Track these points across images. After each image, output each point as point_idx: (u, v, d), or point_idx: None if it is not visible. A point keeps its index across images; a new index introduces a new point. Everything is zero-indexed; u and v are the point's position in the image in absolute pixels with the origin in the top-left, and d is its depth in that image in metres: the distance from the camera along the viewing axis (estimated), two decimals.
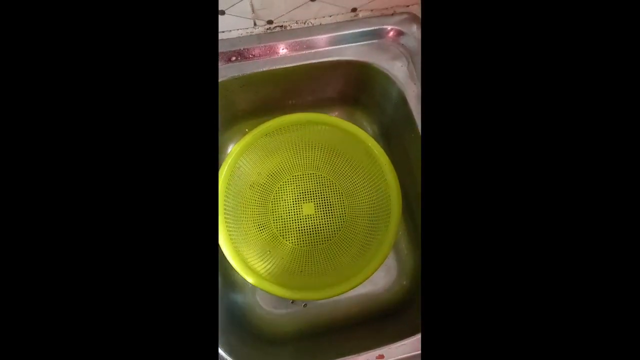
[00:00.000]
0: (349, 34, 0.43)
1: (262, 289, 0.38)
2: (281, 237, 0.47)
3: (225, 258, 0.39)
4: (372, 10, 0.45)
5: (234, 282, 0.45)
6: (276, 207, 0.48)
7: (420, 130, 0.41)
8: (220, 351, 0.35)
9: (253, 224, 0.46)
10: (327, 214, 0.48)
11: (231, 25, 0.42)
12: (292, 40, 0.43)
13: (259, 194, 0.48)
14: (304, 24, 0.44)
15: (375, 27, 0.44)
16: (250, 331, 0.42)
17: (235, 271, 0.39)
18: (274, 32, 0.43)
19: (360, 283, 0.38)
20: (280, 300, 0.45)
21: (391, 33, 0.45)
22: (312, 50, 0.43)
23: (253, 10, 0.41)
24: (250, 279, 0.38)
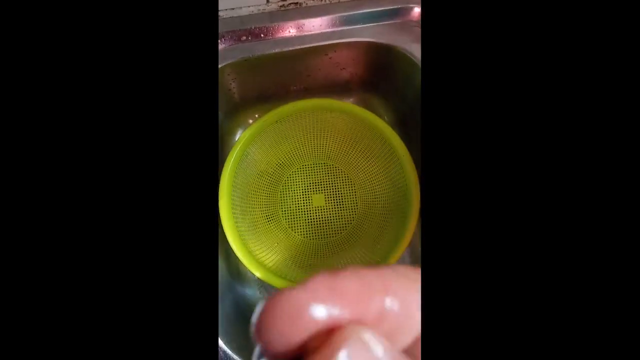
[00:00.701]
0: (369, 12, 0.40)
1: (269, 283, 0.37)
2: (290, 229, 0.45)
3: (232, 250, 0.37)
4: None
5: (241, 274, 0.43)
6: (285, 198, 0.46)
7: None
8: (225, 347, 0.33)
9: (261, 215, 0.44)
10: (338, 206, 0.45)
11: (242, 2, 0.39)
12: (307, 19, 0.40)
13: (267, 183, 0.45)
14: (321, 1, 0.40)
15: (398, 6, 0.40)
16: None
17: (242, 264, 0.37)
18: (287, 9, 0.40)
19: None
20: None
21: (415, 13, 0.41)
22: (329, 30, 0.40)
23: None
24: (257, 273, 0.37)
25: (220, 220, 0.38)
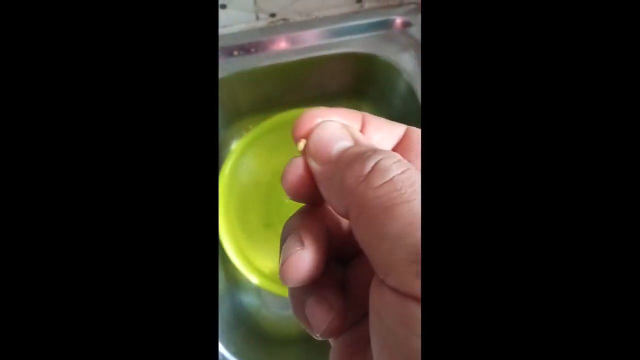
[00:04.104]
0: (355, 25, 0.42)
1: (266, 290, 0.37)
2: None
3: (229, 258, 0.38)
4: (378, 1, 0.43)
5: (239, 282, 0.44)
6: (281, 205, 0.47)
7: None
8: (225, 352, 0.34)
9: (258, 223, 0.45)
10: None
11: (233, 20, 0.42)
12: (296, 33, 0.42)
13: (263, 191, 0.47)
14: (308, 16, 0.43)
15: (382, 18, 0.43)
16: (255, 331, 0.41)
17: (239, 271, 0.38)
18: (276, 25, 0.42)
19: None
20: (285, 300, 0.43)
21: (398, 24, 0.43)
22: (317, 43, 0.42)
23: (255, 3, 0.40)
24: (254, 280, 0.37)
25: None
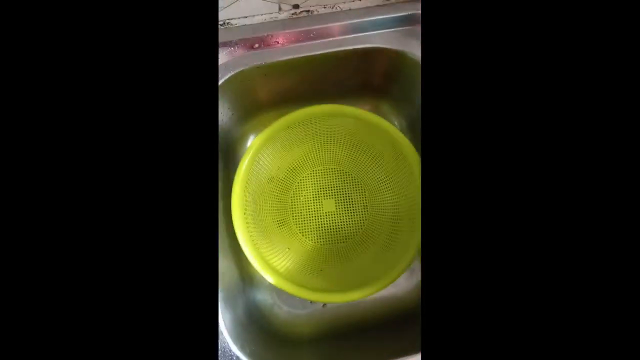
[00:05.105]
0: (380, 19, 0.40)
1: (281, 289, 0.37)
2: (300, 234, 0.45)
3: (244, 254, 0.37)
4: None
5: (253, 279, 0.43)
6: (296, 203, 0.46)
7: None
8: (236, 350, 0.34)
9: (272, 220, 0.44)
10: (349, 212, 0.45)
11: (255, 10, 0.40)
12: (319, 27, 0.40)
13: (278, 188, 0.46)
14: (332, 8, 0.41)
15: (409, 13, 0.41)
16: (268, 330, 0.41)
17: (254, 268, 0.37)
18: (299, 17, 0.41)
19: (384, 287, 0.36)
20: (298, 299, 0.43)
21: None
22: (340, 37, 0.40)
23: None
24: (269, 278, 0.37)
25: (233, 226, 0.38)
